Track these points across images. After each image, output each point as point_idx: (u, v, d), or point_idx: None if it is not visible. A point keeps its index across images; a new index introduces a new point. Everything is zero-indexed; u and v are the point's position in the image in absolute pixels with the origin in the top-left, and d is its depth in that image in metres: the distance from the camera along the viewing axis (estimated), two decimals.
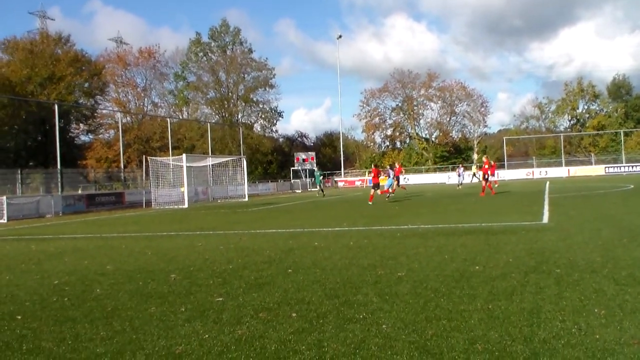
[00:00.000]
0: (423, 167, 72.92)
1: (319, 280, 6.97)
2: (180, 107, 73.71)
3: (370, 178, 26.91)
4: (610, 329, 4.41)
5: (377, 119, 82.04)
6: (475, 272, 6.99)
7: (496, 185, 37.39)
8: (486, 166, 27.17)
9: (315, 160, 65.77)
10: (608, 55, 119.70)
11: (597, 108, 78.98)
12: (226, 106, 72.81)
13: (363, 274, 7.19)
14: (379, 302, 5.61)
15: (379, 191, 26.10)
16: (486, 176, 26.87)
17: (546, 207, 17.16)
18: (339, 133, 75.11)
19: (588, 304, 5.18)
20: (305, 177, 63.34)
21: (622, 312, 4.84)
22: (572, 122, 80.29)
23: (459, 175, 42.30)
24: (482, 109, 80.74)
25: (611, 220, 12.17)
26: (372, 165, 29.11)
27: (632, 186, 28.09)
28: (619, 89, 78.18)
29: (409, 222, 14.22)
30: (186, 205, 31.45)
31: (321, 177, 34.43)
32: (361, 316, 5.12)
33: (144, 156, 38.98)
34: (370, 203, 23.92)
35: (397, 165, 33.21)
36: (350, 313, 5.25)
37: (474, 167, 53.69)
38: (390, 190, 26.18)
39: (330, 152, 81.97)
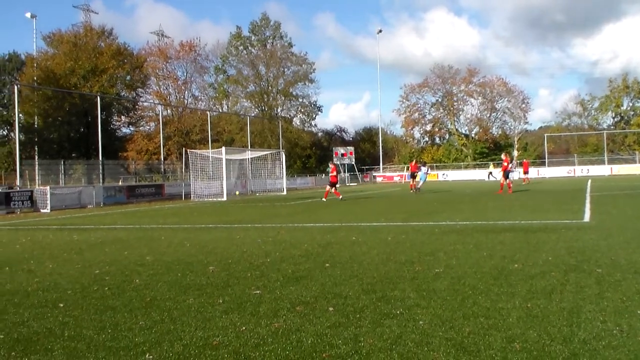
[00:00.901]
0: (462, 163, 72.09)
1: (356, 275, 6.98)
2: (220, 101, 74.44)
3: (409, 173, 27.39)
4: None
5: (416, 114, 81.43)
6: (514, 270, 6.91)
7: (524, 183, 37.11)
8: (505, 164, 27.33)
9: (354, 155, 65.67)
10: None
11: None
12: (266, 100, 73.24)
13: (400, 270, 7.18)
14: (416, 298, 5.60)
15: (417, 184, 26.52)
16: (507, 173, 27.00)
17: (587, 205, 16.86)
18: (378, 128, 74.92)
19: (630, 305, 5.07)
20: (344, 171, 63.38)
21: None
22: (615, 119, 78.22)
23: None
24: (523, 105, 79.39)
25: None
26: (414, 160, 29.40)
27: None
28: None
29: (448, 219, 14.11)
30: (225, 198, 31.66)
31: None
32: (398, 312, 5.12)
33: (183, 149, 39.58)
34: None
35: (414, 162, 33.66)
36: (387, 308, 5.25)
37: (491, 165, 52.89)
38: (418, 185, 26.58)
39: (369, 147, 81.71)
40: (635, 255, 7.52)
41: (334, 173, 26.31)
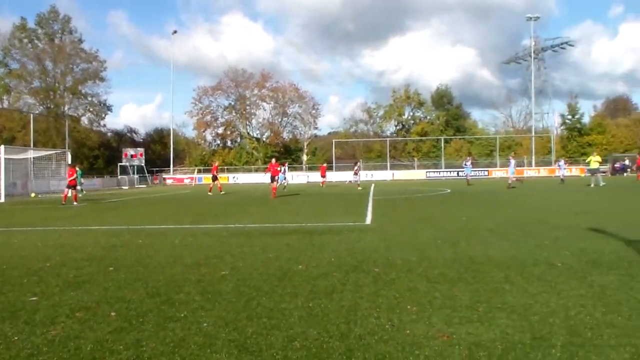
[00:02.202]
0: (253, 166, 73.60)
1: (141, 278, 6.84)
2: (1, 96, 68.31)
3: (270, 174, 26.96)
4: (420, 324, 4.77)
5: (209, 117, 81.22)
6: (299, 271, 7.20)
7: (321, 185, 39.87)
8: (277, 168, 27.82)
9: (144, 157, 63.47)
10: (433, 66, 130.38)
11: (422, 115, 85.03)
12: (52, 97, 68.95)
13: (186, 273, 7.14)
14: (201, 301, 5.61)
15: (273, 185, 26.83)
16: (276, 178, 27.33)
17: (370, 208, 18.06)
18: (170, 129, 73.17)
19: (402, 301, 5.55)
20: (133, 173, 61.06)
21: (432, 308, 5.26)
22: (398, 127, 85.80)
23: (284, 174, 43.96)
24: (313, 111, 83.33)
25: (428, 222, 13.19)
26: (273, 159, 28.76)
27: (449, 190, 30.71)
28: (442, 98, 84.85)
29: (236, 221, 14.27)
30: (2, 200, 29.32)
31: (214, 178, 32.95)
32: (182, 315, 5.09)
33: None
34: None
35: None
36: (171, 312, 5.21)
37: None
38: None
39: (160, 149, 79.61)
40: (410, 255, 8.29)
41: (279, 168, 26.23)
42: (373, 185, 42.19)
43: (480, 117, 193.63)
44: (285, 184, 32.19)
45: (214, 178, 33.00)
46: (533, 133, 76.00)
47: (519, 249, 8.62)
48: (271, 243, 9.85)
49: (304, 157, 78.97)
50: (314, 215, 16.20)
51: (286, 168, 34.82)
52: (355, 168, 34.81)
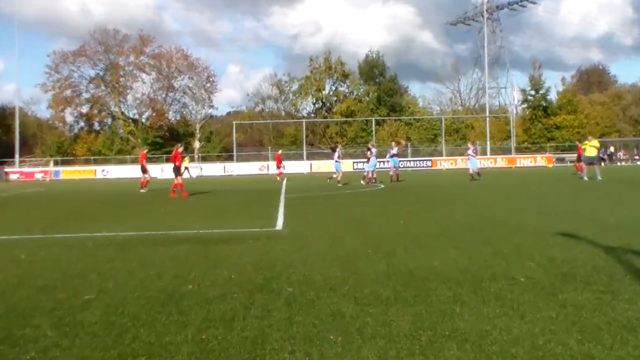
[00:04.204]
0: (129, 156, 72.05)
1: None
2: None
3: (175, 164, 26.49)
4: (346, 359, 4.78)
5: (69, 92, 79.30)
6: (188, 292, 7.09)
7: (278, 179, 40.49)
8: (178, 161, 27.30)
9: None
10: (361, 28, 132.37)
11: (347, 90, 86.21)
12: None
13: (36, 299, 6.92)
14: (56, 336, 5.44)
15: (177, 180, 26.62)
16: (177, 170, 27.06)
17: (281, 209, 18.13)
18: (15, 108, 70.23)
19: (323, 329, 5.54)
20: None
21: (362, 337, 5.26)
22: (317, 106, 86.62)
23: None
24: (208, 85, 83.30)
25: (356, 226, 13.32)
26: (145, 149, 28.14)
27: (382, 185, 31.37)
28: (372, 68, 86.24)
29: (106, 228, 13.93)
30: None
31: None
32: (28, 357, 4.91)
33: None
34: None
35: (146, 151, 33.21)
36: (13, 354, 5.01)
37: (187, 160, 55.20)
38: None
39: (1, 134, 76.56)
40: (332, 269, 8.32)
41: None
42: (285, 179, 42.33)
43: (421, 93, 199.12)
44: (336, 176, 33.43)
45: (143, 170, 31.84)
46: (487, 113, 78.73)
47: (472, 259, 8.84)
48: (152, 256, 9.68)
49: (196, 144, 78.36)
50: (209, 218, 16.09)
51: (340, 153, 35.87)
52: (337, 155, 34.94)
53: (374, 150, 34.71)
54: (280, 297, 6.81)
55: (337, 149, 37.39)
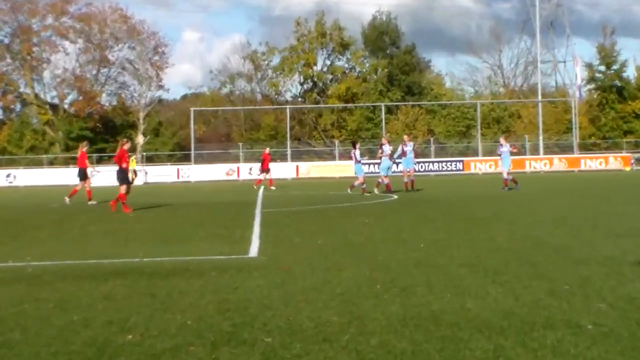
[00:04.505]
0: (46, 156, 71.76)
1: None
2: None
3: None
4: None
5: None
6: (128, 344, 7.04)
7: (256, 187, 40.86)
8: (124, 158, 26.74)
9: None
10: None
11: (347, 66, 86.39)
12: None
13: None
14: None
15: None
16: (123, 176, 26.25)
17: (257, 229, 18.19)
18: None
19: None
20: None
21: None
22: (306, 86, 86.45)
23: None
24: (156, 58, 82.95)
25: (359, 251, 13.25)
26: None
27: (396, 196, 31.39)
28: (381, 36, 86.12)
29: (11, 256, 13.85)
30: None
31: None
32: None
33: None
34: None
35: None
36: None
37: (134, 161, 55.11)
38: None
39: None
40: (326, 312, 8.22)
41: None
42: (262, 187, 42.31)
43: (449, 70, 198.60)
44: (359, 183, 33.61)
45: (83, 175, 31.19)
46: (539, 97, 78.50)
47: (519, 298, 8.78)
48: (77, 295, 9.62)
49: (139, 139, 78.17)
50: (158, 242, 16.13)
51: (357, 152, 35.77)
52: (357, 154, 34.69)
53: (387, 147, 34.50)
54: (255, 350, 6.74)
55: (357, 146, 37.18)
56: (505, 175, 34.76)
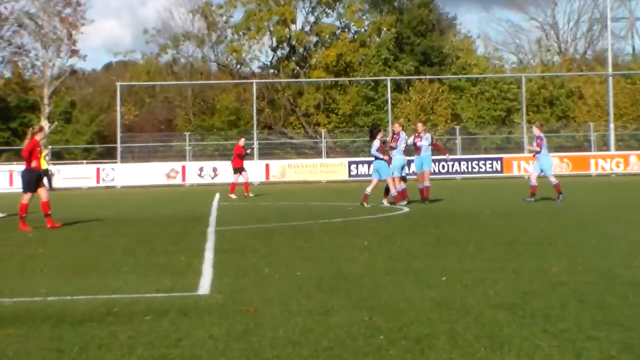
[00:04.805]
0: None
1: None
2: None
3: None
4: None
5: None
6: None
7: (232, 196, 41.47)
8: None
9: None
10: None
11: (338, 25, 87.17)
12: None
13: None
14: None
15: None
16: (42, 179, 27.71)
17: (210, 255, 18.23)
18: None
19: None
20: None
21: None
22: (280, 54, 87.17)
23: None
24: (69, 12, 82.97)
25: (353, 288, 13.19)
26: None
27: (407, 209, 31.47)
28: None
29: None
30: None
31: None
32: None
33: None
34: None
35: None
36: None
37: (47, 156, 55.27)
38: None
39: None
40: None
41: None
42: (218, 195, 42.45)
43: (481, 30, 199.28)
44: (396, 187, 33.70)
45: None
46: (610, 69, 78.82)
47: (581, 355, 8.74)
48: None
49: (45, 125, 78.04)
50: (69, 273, 16.12)
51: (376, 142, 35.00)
52: (375, 145, 34.39)
53: (403, 137, 34.49)
54: None
55: (379, 135, 36.18)
56: (552, 180, 34.82)
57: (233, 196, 44.62)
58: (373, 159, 34.37)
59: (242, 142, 49.04)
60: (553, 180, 34.99)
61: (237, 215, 29.63)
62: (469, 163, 65.40)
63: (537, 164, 35.74)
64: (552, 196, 34.48)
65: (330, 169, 62.48)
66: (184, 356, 9.01)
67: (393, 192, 33.28)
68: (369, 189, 33.43)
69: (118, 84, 72.68)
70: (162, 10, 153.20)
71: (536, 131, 36.81)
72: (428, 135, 36.48)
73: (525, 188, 43.34)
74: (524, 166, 64.76)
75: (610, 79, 75.93)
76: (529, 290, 12.61)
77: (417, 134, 35.67)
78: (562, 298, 11.93)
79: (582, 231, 21.99)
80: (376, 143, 34.19)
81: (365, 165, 63.69)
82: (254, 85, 72.83)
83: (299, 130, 76.69)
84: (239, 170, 47.27)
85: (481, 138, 71.55)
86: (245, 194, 45.22)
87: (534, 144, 36.19)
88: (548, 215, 27.26)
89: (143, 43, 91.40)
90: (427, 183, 35.51)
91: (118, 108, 69.25)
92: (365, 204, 32.55)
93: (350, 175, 61.10)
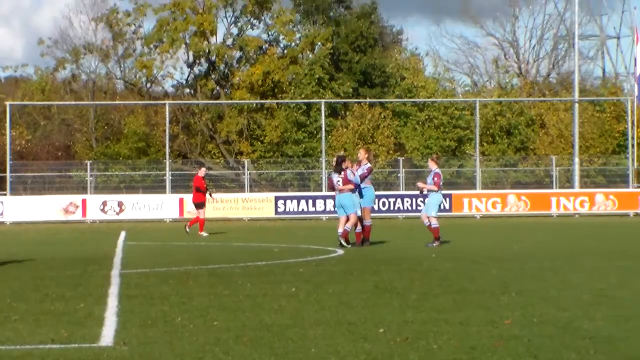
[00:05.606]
0: None
1: None
2: None
3: None
4: None
5: None
6: None
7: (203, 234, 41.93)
8: None
9: None
10: None
11: (267, 37, 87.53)
12: None
13: None
14: None
15: None
16: None
17: (114, 301, 18.32)
18: None
19: None
20: None
21: None
22: (197, 69, 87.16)
23: None
24: None
25: (279, 341, 13.31)
26: None
27: (342, 251, 31.62)
28: None
29: None
30: None
31: None
32: None
33: None
34: None
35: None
36: None
37: None
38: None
39: None
40: None
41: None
42: (124, 233, 42.46)
43: (431, 46, 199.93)
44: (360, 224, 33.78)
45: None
46: (576, 93, 79.40)
47: None
48: None
49: None
50: None
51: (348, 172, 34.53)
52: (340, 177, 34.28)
53: (365, 167, 34.76)
54: None
55: (345, 163, 35.95)
56: (429, 222, 35.52)
57: (204, 234, 45.09)
58: (333, 193, 34.34)
59: (202, 172, 48.89)
60: (434, 222, 35.38)
61: (146, 257, 29.67)
62: (413, 200, 65.69)
63: (432, 201, 36.32)
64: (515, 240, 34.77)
65: (254, 205, 62.55)
66: None
67: (348, 227, 33.22)
68: (342, 228, 33.28)
69: (8, 103, 72.50)
70: (60, 17, 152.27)
71: (432, 166, 37.37)
72: (366, 165, 36.13)
73: (476, 231, 43.79)
74: (476, 204, 65.35)
75: (577, 105, 76.46)
76: (477, 345, 12.82)
77: (355, 163, 35.48)
78: (514, 354, 12.14)
79: (539, 279, 22.27)
80: (358, 172, 34.35)
81: (295, 201, 63.87)
82: (167, 107, 72.96)
83: (218, 160, 76.83)
84: (200, 205, 47.38)
85: (427, 171, 71.84)
86: (187, 228, 45.74)
87: (430, 181, 36.36)
88: (501, 261, 27.53)
89: (37, 56, 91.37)
90: (367, 222, 35.44)
91: (8, 131, 69.09)
92: (344, 243, 32.54)
93: (277, 212, 61.31)
